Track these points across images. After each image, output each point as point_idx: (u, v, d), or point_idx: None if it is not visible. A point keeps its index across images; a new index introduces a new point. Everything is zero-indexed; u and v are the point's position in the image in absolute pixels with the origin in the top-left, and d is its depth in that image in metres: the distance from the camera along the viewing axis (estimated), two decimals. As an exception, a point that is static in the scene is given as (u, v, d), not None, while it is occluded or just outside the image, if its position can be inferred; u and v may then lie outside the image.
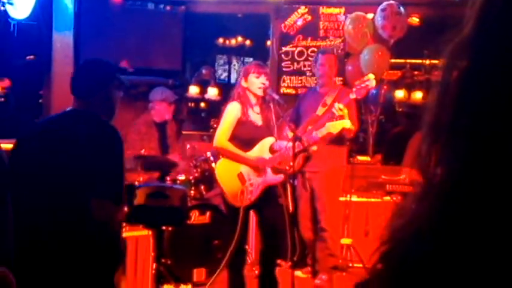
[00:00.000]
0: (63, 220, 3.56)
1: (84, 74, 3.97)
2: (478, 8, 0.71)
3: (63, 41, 8.27)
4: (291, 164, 5.67)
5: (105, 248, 3.69)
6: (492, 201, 0.66)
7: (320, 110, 6.63)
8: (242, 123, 5.73)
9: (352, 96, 6.26)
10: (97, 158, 3.61)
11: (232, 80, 14.38)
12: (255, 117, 5.79)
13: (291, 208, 5.80)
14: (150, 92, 7.68)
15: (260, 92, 5.75)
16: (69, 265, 3.60)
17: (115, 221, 3.72)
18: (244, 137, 5.74)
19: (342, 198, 7.30)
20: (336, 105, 6.18)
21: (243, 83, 5.78)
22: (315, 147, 6.27)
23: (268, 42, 9.42)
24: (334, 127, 6.08)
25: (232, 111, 5.77)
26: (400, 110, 12.03)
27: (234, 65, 14.91)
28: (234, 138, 5.74)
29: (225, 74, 15.19)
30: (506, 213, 0.65)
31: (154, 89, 7.73)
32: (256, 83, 5.73)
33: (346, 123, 6.13)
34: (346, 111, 6.16)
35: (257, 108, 5.82)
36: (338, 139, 6.64)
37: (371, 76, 6.34)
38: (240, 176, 5.76)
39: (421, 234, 0.70)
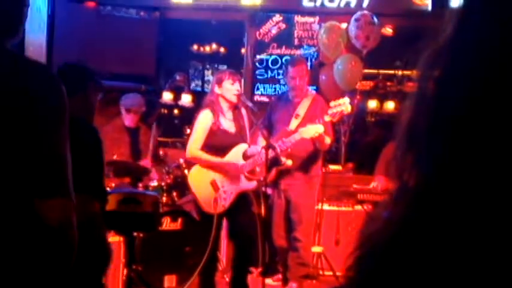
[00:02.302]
0: None
1: (62, 77, 3.96)
2: (456, 15, 0.72)
3: (36, 44, 8.21)
4: (264, 174, 5.68)
5: (90, 246, 3.67)
6: (466, 205, 0.67)
7: (293, 123, 6.59)
8: (214, 131, 5.73)
9: (327, 118, 6.22)
10: (77, 157, 3.61)
11: (206, 87, 14.35)
12: (228, 124, 5.80)
13: (263, 214, 5.81)
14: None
15: (234, 99, 5.76)
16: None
17: (97, 218, 3.70)
18: (217, 144, 5.74)
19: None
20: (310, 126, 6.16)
21: (217, 90, 5.78)
22: (289, 162, 6.24)
23: (243, 50, 9.44)
24: (307, 132, 6.07)
25: (204, 120, 5.76)
26: (373, 119, 12.12)
27: (207, 76, 14.87)
28: (206, 146, 5.74)
29: (199, 81, 15.15)
30: (481, 217, 0.66)
31: (124, 94, 7.72)
32: (231, 89, 5.74)
33: (319, 128, 6.12)
34: (321, 129, 6.15)
35: (229, 115, 5.82)
36: (313, 153, 6.65)
37: (346, 100, 6.32)
38: (213, 183, 5.76)
39: (395, 239, 0.71)
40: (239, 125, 5.85)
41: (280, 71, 8.65)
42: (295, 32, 8.80)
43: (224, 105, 5.79)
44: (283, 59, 8.70)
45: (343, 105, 6.22)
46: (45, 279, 2.17)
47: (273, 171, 6.52)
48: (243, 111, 5.91)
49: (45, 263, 2.12)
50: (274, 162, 6.12)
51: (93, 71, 4.05)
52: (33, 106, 2.15)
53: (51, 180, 2.09)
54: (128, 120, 7.50)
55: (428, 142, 0.71)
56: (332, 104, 6.31)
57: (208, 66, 14.89)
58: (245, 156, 5.84)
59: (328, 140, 6.46)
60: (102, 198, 3.74)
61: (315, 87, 8.30)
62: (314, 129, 6.09)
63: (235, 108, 5.84)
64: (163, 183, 7.14)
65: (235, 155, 5.81)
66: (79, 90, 3.84)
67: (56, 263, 2.12)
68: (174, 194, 7.23)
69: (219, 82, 5.79)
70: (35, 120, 2.14)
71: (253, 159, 5.81)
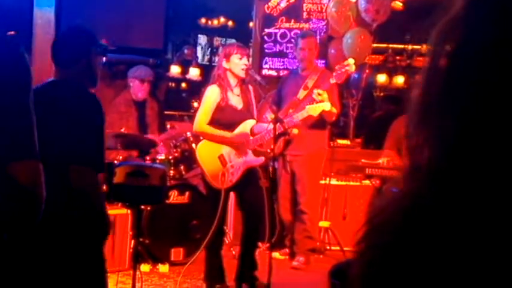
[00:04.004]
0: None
1: (64, 42, 3.94)
2: None
3: (44, 17, 8.18)
4: (272, 147, 5.67)
5: (88, 217, 3.67)
6: (479, 180, 0.66)
7: (301, 94, 6.64)
8: (222, 107, 5.70)
9: (332, 81, 6.27)
10: (76, 126, 3.60)
11: (214, 61, 14.29)
12: (235, 100, 5.77)
13: (270, 188, 5.82)
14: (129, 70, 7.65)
15: (242, 74, 5.73)
16: (53, 235, 3.57)
17: (97, 189, 3.69)
18: (225, 120, 5.72)
19: (321, 181, 7.33)
20: (315, 91, 6.19)
21: (225, 64, 5.75)
22: (296, 131, 6.27)
23: (251, 24, 9.39)
24: (314, 110, 6.09)
25: (211, 95, 5.73)
26: (382, 94, 12.08)
27: (214, 48, 14.82)
28: (214, 122, 5.71)
29: (206, 55, 15.11)
30: (493, 193, 0.65)
31: (132, 67, 7.69)
32: (239, 64, 5.70)
33: (326, 106, 6.15)
34: (325, 95, 6.17)
35: (237, 90, 5.79)
36: (319, 123, 6.67)
37: (351, 61, 6.34)
38: (221, 158, 5.75)
39: (408, 213, 0.70)
40: (246, 100, 5.82)
41: (289, 45, 8.60)
42: (304, 5, 8.73)
43: (232, 80, 5.76)
44: (292, 33, 8.64)
45: (348, 65, 6.23)
46: (16, 234, 2.36)
47: (281, 142, 6.54)
48: (250, 87, 5.89)
49: (17, 220, 2.31)
50: (281, 134, 6.13)
51: (94, 35, 4.01)
52: None
53: (20, 144, 2.28)
54: (142, 91, 7.47)
55: (441, 117, 0.70)
56: (337, 67, 6.33)
57: (216, 39, 14.83)
58: (252, 133, 5.83)
59: (334, 110, 6.48)
60: (102, 168, 3.72)
61: (324, 61, 8.26)
62: (320, 107, 6.10)
63: (242, 83, 5.82)
64: (170, 157, 7.15)
65: (243, 130, 5.79)
66: (82, 56, 3.81)
67: (26, 219, 2.33)
68: (182, 167, 7.25)
69: (227, 56, 5.75)
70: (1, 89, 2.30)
71: (261, 135, 5.79)
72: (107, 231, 3.82)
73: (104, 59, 4.05)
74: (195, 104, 7.07)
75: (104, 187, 4.66)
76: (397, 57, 11.67)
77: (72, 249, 3.62)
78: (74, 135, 3.58)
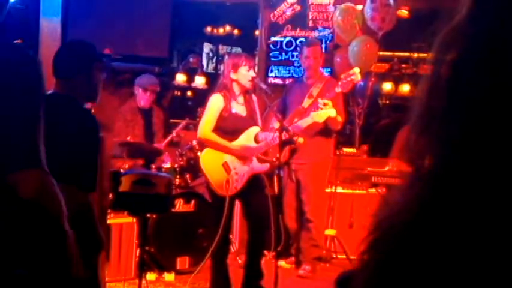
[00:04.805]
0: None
1: (65, 55, 3.92)
2: None
3: (50, 25, 8.22)
4: (277, 155, 5.67)
5: (79, 237, 3.62)
6: (483, 186, 0.66)
7: (306, 102, 6.64)
8: (225, 116, 5.70)
9: (338, 90, 6.26)
10: (68, 144, 3.53)
11: (220, 70, 14.30)
12: (239, 108, 5.77)
13: (276, 191, 5.82)
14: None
15: (249, 85, 5.74)
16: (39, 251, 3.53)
17: (86, 209, 3.61)
18: (229, 128, 5.72)
19: (327, 190, 7.31)
20: (320, 100, 6.17)
21: (232, 75, 5.74)
22: (301, 140, 6.26)
23: (257, 32, 9.40)
24: (319, 116, 6.08)
25: (215, 103, 5.73)
26: (387, 102, 12.08)
27: (220, 57, 14.83)
28: (218, 129, 5.71)
29: (212, 63, 15.12)
30: (496, 201, 0.65)
31: (140, 75, 7.70)
32: (247, 75, 5.71)
33: (331, 112, 6.13)
34: (330, 103, 6.15)
35: (241, 99, 5.79)
36: (325, 131, 6.67)
37: (356, 70, 6.33)
38: (225, 166, 5.75)
39: (411, 222, 0.70)
40: (250, 108, 5.82)
41: (295, 53, 8.61)
42: (310, 13, 8.74)
43: (237, 90, 5.76)
44: (298, 41, 8.65)
45: (353, 74, 6.22)
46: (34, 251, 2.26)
47: (286, 151, 6.54)
48: (254, 96, 5.89)
49: (29, 234, 2.20)
50: (286, 142, 6.12)
51: (97, 50, 4.00)
52: (6, 83, 2.22)
53: (23, 153, 2.18)
54: (145, 100, 7.47)
55: (444, 125, 0.70)
56: (343, 76, 6.32)
57: (221, 48, 14.84)
58: (257, 140, 5.82)
59: (339, 118, 6.48)
60: (93, 187, 3.63)
61: (329, 69, 8.26)
62: (326, 114, 6.09)
63: (246, 92, 5.82)
64: (176, 165, 7.15)
65: (247, 138, 5.79)
66: (82, 70, 3.79)
67: (40, 232, 2.22)
68: (187, 175, 7.24)
69: (235, 67, 5.73)
70: (8, 95, 2.22)
71: (265, 142, 5.79)
72: (97, 250, 3.76)
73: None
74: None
75: (110, 195, 4.66)
76: (403, 66, 11.67)
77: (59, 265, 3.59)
78: (63, 152, 3.49)
